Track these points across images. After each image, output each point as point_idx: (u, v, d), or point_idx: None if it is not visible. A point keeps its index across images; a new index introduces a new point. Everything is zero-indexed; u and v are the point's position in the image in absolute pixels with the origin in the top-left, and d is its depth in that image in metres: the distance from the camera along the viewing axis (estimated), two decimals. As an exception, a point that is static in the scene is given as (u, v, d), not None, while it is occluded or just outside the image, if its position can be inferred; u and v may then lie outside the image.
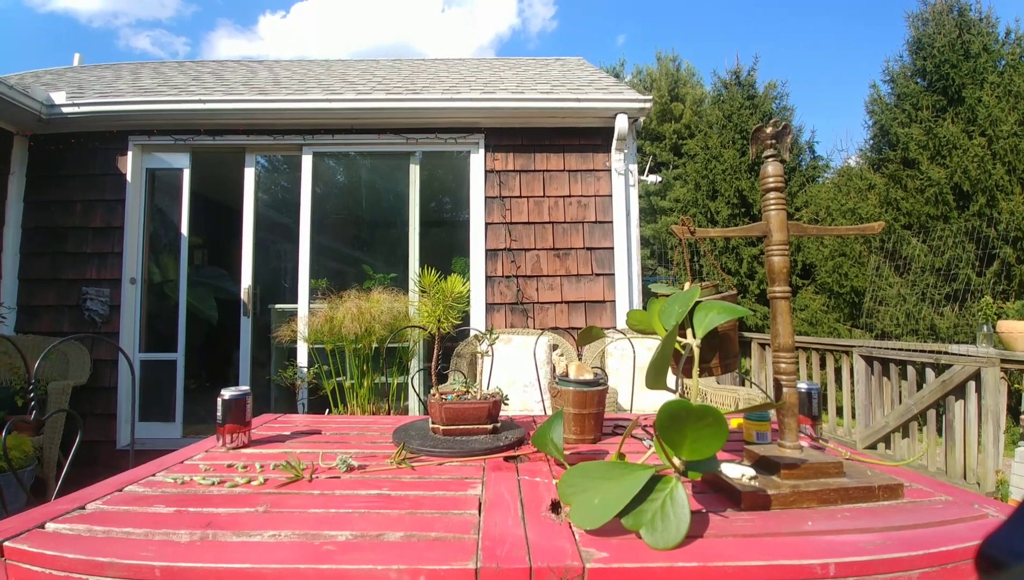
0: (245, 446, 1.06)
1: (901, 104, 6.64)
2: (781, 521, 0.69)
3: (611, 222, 3.63)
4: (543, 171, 3.69)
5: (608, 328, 3.47)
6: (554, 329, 3.51)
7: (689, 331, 0.87)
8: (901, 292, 5.80)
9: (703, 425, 0.64)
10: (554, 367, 1.23)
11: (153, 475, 0.88)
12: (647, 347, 2.86)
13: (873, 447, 3.50)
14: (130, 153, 3.62)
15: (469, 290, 1.18)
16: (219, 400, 1.04)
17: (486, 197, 3.66)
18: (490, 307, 3.59)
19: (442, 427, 1.06)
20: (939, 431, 3.15)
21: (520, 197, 3.67)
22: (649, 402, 2.75)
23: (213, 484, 0.83)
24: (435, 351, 1.14)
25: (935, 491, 0.82)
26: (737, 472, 0.78)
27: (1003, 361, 2.83)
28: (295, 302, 3.69)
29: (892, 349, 3.47)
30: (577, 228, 3.64)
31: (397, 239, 3.96)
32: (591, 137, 3.69)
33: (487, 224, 3.64)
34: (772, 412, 1.00)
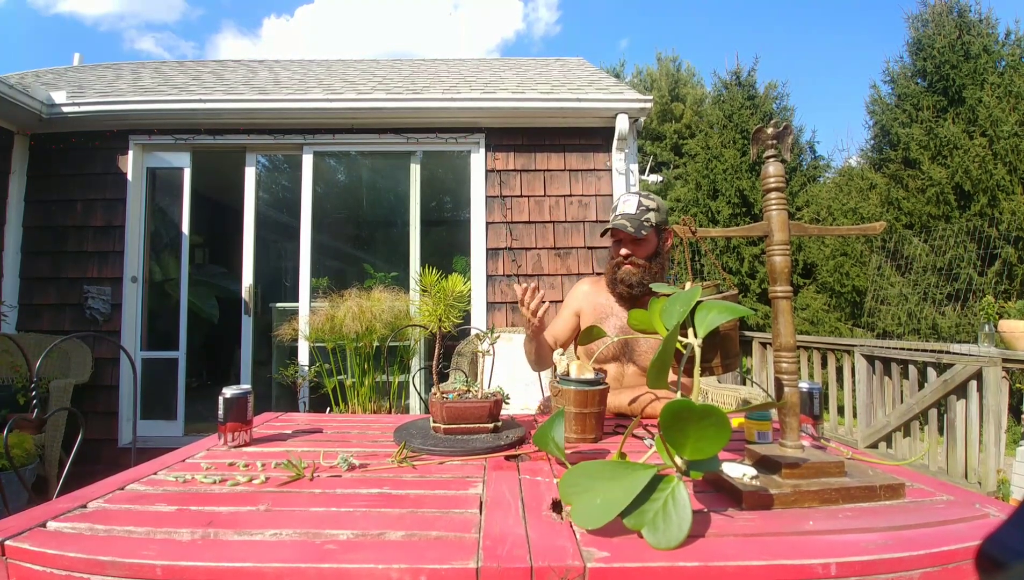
0: (246, 444, 1.06)
1: (902, 104, 6.63)
2: (782, 521, 0.69)
3: (612, 221, 3.62)
4: (544, 170, 3.69)
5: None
6: (555, 328, 3.50)
7: (690, 331, 0.87)
8: (903, 291, 5.80)
9: (706, 425, 0.63)
10: (555, 366, 1.23)
11: (155, 473, 0.88)
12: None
13: (875, 446, 3.50)
14: (131, 152, 3.62)
15: (470, 289, 1.18)
16: (220, 398, 1.04)
17: (487, 196, 3.66)
18: (491, 306, 3.59)
19: (443, 426, 1.06)
20: (940, 430, 3.14)
21: (521, 196, 3.66)
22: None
23: (215, 483, 0.83)
24: (436, 350, 1.14)
25: (936, 491, 0.82)
26: (738, 472, 0.78)
27: (1005, 360, 2.84)
28: (296, 301, 3.70)
29: (894, 348, 3.46)
30: (578, 227, 3.64)
31: (398, 238, 3.96)
32: (592, 137, 3.69)
33: (488, 223, 3.64)
34: (773, 411, 1.00)
